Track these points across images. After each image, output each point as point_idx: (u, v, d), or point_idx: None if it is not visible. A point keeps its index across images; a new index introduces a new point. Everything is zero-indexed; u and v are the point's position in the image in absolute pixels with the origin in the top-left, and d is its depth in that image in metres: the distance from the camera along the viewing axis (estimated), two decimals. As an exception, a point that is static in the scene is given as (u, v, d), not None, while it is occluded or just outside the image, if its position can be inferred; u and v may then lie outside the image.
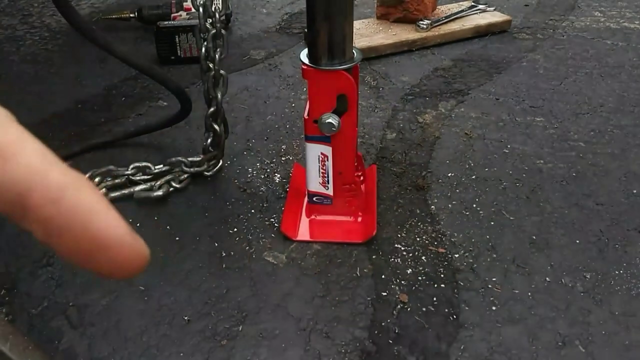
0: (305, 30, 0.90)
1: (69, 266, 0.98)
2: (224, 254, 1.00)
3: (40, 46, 1.84)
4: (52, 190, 0.17)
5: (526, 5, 2.12)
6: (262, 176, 1.20)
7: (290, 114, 1.43)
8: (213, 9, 1.03)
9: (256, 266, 0.97)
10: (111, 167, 1.16)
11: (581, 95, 1.50)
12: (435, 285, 0.93)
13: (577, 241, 1.01)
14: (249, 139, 1.33)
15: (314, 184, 1.02)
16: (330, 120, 0.91)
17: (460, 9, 1.90)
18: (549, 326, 0.86)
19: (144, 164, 1.16)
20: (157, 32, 1.66)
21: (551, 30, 1.91)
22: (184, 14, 1.83)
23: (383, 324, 0.87)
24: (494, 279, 0.94)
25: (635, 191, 1.13)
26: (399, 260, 0.98)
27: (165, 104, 1.48)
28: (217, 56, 1.06)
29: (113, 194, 1.12)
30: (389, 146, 1.29)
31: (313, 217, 1.07)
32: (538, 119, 1.39)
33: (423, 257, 0.98)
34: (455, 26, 1.83)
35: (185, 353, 0.82)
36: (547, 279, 0.94)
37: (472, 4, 1.94)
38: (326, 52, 0.88)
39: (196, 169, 1.16)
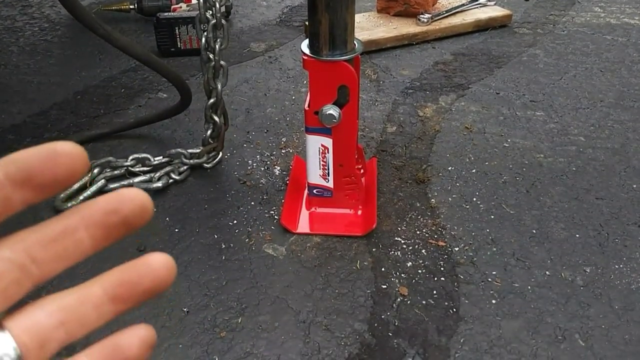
0: (306, 22, 0.90)
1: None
2: (224, 246, 1.00)
3: (39, 37, 1.83)
4: None
5: (526, 0, 2.11)
6: (262, 168, 1.19)
7: (291, 106, 1.42)
8: (214, -1, 1.02)
9: (256, 258, 0.97)
10: (110, 158, 1.15)
11: (581, 90, 1.50)
12: (435, 279, 0.93)
13: (577, 235, 1.01)
14: (249, 131, 1.32)
15: (314, 176, 1.02)
16: (331, 111, 0.91)
17: (460, 3, 1.90)
18: (549, 320, 0.86)
19: (143, 155, 1.16)
20: (157, 24, 1.65)
21: (551, 25, 1.90)
22: (184, 5, 1.83)
23: (383, 316, 0.87)
24: (494, 273, 0.94)
25: (635, 186, 1.13)
26: (399, 253, 0.98)
27: (164, 95, 1.48)
28: (217, 47, 1.05)
29: (112, 185, 1.11)
30: (390, 139, 1.29)
31: (313, 209, 1.07)
32: (538, 114, 1.39)
33: (423, 250, 0.98)
34: (455, 20, 1.82)
35: (184, 344, 0.82)
36: (547, 272, 0.94)
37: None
38: (327, 42, 0.88)
39: (196, 160, 1.16)
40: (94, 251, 0.25)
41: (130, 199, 0.25)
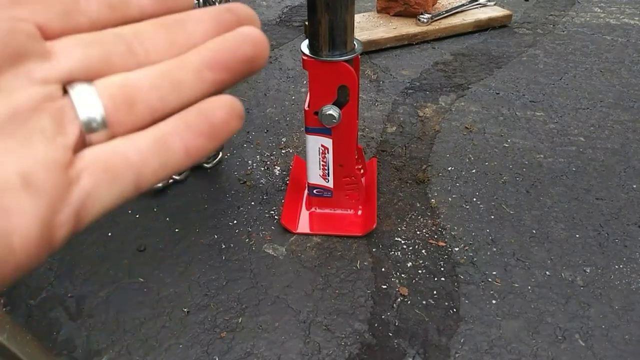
0: (306, 22, 0.90)
1: (67, 257, 0.97)
2: (224, 246, 1.00)
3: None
4: None
5: (526, 0, 2.11)
6: (262, 168, 1.19)
7: (291, 106, 1.42)
8: (214, -1, 1.02)
9: (256, 258, 0.97)
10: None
11: (581, 90, 1.50)
12: (436, 279, 0.93)
13: (577, 235, 1.01)
14: (249, 131, 1.32)
15: (314, 176, 1.02)
16: (331, 112, 0.91)
17: (460, 3, 1.90)
18: (549, 320, 0.86)
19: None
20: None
21: (551, 26, 1.90)
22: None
23: (383, 317, 0.87)
24: (494, 273, 0.94)
25: (635, 186, 1.13)
26: (399, 253, 0.98)
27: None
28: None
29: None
30: (390, 139, 1.29)
31: (313, 209, 1.07)
32: (538, 114, 1.39)
33: (423, 251, 0.98)
34: (455, 20, 1.82)
35: (185, 345, 0.82)
36: (547, 272, 0.94)
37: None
38: (327, 42, 0.88)
39: (196, 161, 1.16)
40: (202, 40, 0.23)
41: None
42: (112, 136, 0.21)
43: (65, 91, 0.21)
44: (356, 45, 0.92)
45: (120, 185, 0.21)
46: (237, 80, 0.23)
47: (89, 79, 0.21)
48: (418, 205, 1.09)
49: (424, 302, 0.89)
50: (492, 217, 1.06)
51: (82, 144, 0.21)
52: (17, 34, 0.20)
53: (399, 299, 0.89)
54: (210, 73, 0.22)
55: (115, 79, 0.21)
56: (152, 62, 0.22)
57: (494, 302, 0.89)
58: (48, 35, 0.21)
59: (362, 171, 1.11)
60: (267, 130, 1.32)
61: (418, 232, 1.02)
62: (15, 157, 0.19)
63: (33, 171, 0.19)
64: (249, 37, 0.23)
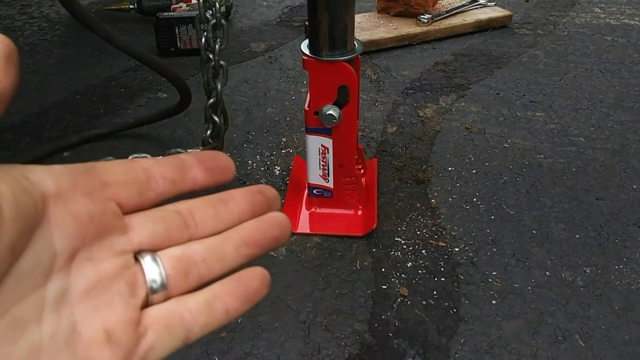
0: (306, 22, 0.90)
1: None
2: (224, 246, 0.99)
3: (39, 37, 1.83)
4: None
5: (527, 1, 2.11)
6: (262, 168, 1.19)
7: (291, 106, 1.42)
8: (214, -1, 1.02)
9: (256, 258, 0.97)
10: (110, 158, 1.15)
11: (581, 90, 1.50)
12: (436, 279, 0.93)
13: (577, 236, 1.01)
14: (249, 131, 1.32)
15: (314, 176, 1.02)
16: (331, 112, 0.91)
17: (461, 4, 1.90)
18: (549, 320, 0.86)
19: (143, 155, 1.16)
20: (157, 24, 1.65)
21: (551, 26, 1.90)
22: (184, 5, 1.83)
23: (383, 317, 0.86)
24: (494, 273, 0.94)
25: (635, 186, 1.13)
26: (399, 253, 0.98)
27: (164, 95, 1.48)
28: (217, 47, 1.05)
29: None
30: (390, 140, 1.29)
31: (313, 209, 1.06)
32: (538, 114, 1.39)
33: (423, 251, 0.98)
34: (456, 21, 1.82)
35: (184, 344, 0.82)
36: (547, 273, 0.94)
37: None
38: (327, 42, 0.88)
39: (196, 160, 1.15)
40: (239, 221, 0.29)
41: (270, 194, 0.31)
42: (168, 297, 0.27)
43: (135, 259, 0.26)
44: (356, 45, 0.92)
45: (175, 340, 0.26)
46: (264, 253, 0.30)
47: (154, 249, 0.27)
48: (418, 205, 1.09)
49: (424, 303, 0.89)
50: (492, 217, 1.06)
51: (146, 303, 0.26)
52: (106, 214, 0.25)
53: (398, 299, 0.89)
54: (246, 249, 0.29)
55: (175, 252, 0.27)
56: (201, 233, 0.28)
57: (494, 302, 0.88)
58: (125, 209, 0.26)
59: (362, 171, 1.11)
60: (267, 130, 1.32)
61: (418, 232, 1.02)
62: (101, 315, 0.24)
63: (115, 328, 0.24)
64: (277, 222, 0.30)
